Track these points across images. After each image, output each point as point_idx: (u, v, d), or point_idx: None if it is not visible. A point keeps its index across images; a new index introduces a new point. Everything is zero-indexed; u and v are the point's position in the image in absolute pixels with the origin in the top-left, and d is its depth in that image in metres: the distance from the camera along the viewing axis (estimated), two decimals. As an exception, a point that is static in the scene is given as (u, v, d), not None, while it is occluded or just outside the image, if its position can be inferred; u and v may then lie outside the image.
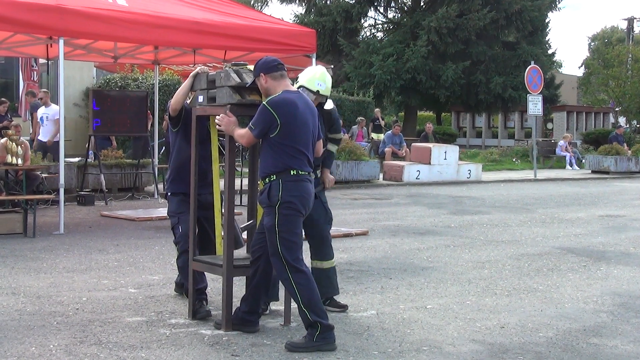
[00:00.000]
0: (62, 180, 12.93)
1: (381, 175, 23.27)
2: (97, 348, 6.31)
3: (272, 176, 6.44)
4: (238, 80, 6.82)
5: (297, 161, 6.46)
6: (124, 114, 17.10)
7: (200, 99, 7.21)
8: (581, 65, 69.22)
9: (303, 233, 6.92)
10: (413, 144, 26.56)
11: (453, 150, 25.11)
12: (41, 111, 17.87)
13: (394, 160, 25.21)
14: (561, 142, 32.90)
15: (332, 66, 29.14)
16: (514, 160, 32.01)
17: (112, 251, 10.87)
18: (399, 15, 41.14)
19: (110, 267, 9.75)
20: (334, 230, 13.04)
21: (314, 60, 15.35)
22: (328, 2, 39.92)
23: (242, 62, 7.59)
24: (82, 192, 16.84)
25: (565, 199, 20.12)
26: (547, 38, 46.24)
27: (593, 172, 29.31)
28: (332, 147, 8.06)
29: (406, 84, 36.76)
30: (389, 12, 41.26)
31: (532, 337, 6.99)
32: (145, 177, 18.62)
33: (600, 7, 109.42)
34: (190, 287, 7.28)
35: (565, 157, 31.72)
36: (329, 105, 7.81)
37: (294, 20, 40.81)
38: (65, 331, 6.78)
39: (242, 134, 6.55)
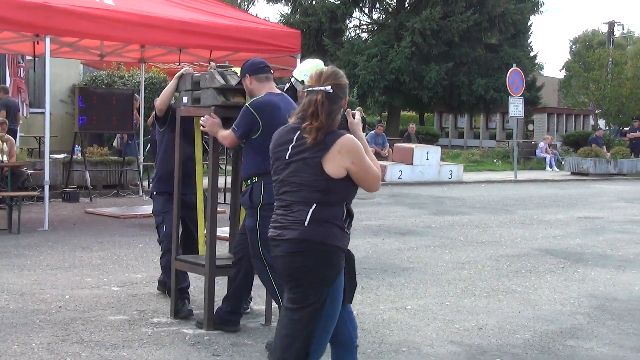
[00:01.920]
0: (47, 177, 12.85)
1: (365, 175, 23.31)
2: (79, 347, 6.29)
3: (254, 178, 6.44)
4: (222, 82, 6.81)
5: (279, 163, 6.46)
6: (110, 111, 17.02)
7: (185, 99, 7.19)
8: (562, 68, 69.39)
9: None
10: (396, 144, 26.51)
11: (435, 151, 25.05)
12: None
13: (378, 160, 25.16)
14: (541, 144, 32.96)
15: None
16: (495, 161, 32.00)
17: (96, 249, 10.81)
18: (384, 16, 41.13)
19: (93, 265, 9.70)
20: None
21: (298, 60, 15.31)
22: (313, 3, 39.83)
23: (227, 64, 7.60)
24: (67, 189, 16.75)
25: (545, 201, 20.09)
26: (529, 41, 46.41)
27: (572, 173, 29.33)
28: None
29: (390, 84, 36.71)
30: (373, 13, 41.24)
31: (510, 339, 7.00)
32: (130, 174, 18.56)
33: (582, 10, 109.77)
34: (172, 286, 7.26)
35: (545, 158, 31.75)
36: None
37: (280, 20, 40.74)
38: (48, 329, 6.76)
39: (225, 135, 6.55)
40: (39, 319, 7.08)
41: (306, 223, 4.32)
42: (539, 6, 42.39)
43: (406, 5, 40.07)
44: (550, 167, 31.33)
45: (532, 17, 43.60)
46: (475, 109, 41.51)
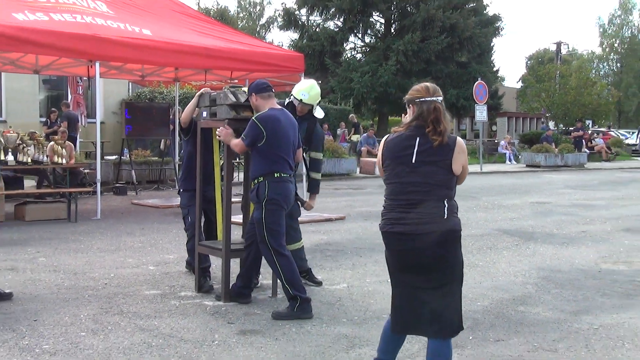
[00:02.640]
0: (99, 175, 12.82)
1: (358, 170, 23.18)
2: (119, 317, 6.22)
3: (260, 178, 6.37)
4: (234, 99, 6.74)
5: (280, 165, 6.38)
6: (151, 121, 17.05)
7: (204, 114, 7.12)
8: (519, 80, 69.03)
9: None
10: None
11: (415, 150, 24.84)
12: None
13: (368, 157, 25.07)
14: (502, 142, 32.88)
15: (320, 81, 28.94)
16: (465, 156, 31.88)
17: (138, 234, 10.77)
18: (374, 40, 40.94)
19: (135, 248, 9.64)
20: (317, 215, 13.00)
21: (302, 77, 15.20)
22: (317, 30, 39.71)
23: (238, 85, 7.50)
24: (117, 184, 16.78)
25: (504, 189, 19.99)
26: (492, 58, 46.07)
27: (527, 166, 29.27)
28: (316, 175, 7.81)
29: (379, 95, 36.68)
30: (365, 37, 41.07)
31: (472, 306, 6.89)
32: (168, 172, 18.52)
33: (535, 32, 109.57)
34: (196, 266, 7.20)
35: (505, 154, 31.67)
36: (319, 113, 7.61)
37: (290, 44, 40.74)
38: (95, 303, 6.69)
39: (236, 143, 6.47)
40: (87, 294, 7.02)
41: (445, 217, 4.19)
42: (500, 30, 42.29)
43: (392, 31, 39.88)
44: (510, 161, 31.24)
45: (494, 39, 43.44)
46: (450, 113, 41.19)
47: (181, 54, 13.06)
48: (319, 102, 7.65)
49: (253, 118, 6.37)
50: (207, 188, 7.29)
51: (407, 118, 4.42)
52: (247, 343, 5.57)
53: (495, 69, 47.21)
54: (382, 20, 40.41)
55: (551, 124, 43.07)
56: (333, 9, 38.36)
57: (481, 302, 7.08)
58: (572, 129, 37.21)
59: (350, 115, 32.80)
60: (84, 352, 5.26)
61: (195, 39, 13.68)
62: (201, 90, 7.30)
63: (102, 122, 24.69)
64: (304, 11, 40.91)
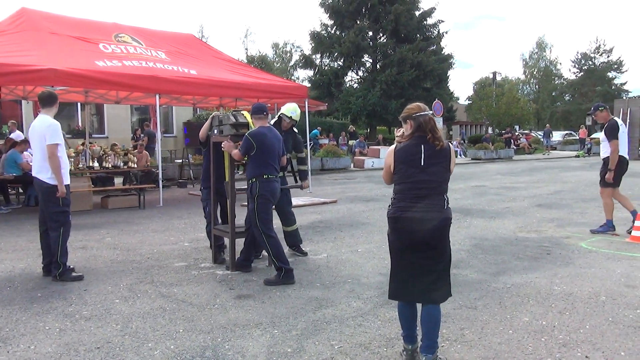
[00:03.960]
0: (160, 175, 12.21)
1: (352, 164, 22.45)
2: (149, 286, 5.61)
3: (253, 179, 5.74)
4: (234, 120, 6.10)
5: (268, 169, 5.75)
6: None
7: (215, 131, 6.49)
8: (467, 99, 67.66)
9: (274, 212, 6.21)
10: (370, 146, 25.65)
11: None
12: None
13: (360, 156, 24.33)
14: (454, 142, 31.90)
15: (327, 104, 28.16)
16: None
17: (185, 217, 10.14)
18: (364, 74, 39.92)
19: (179, 228, 9.00)
20: (316, 200, 12.33)
21: (306, 101, 14.57)
22: (325, 68, 38.80)
23: (238, 109, 6.90)
24: (180, 180, 16.20)
25: (454, 176, 18.89)
26: (448, 84, 44.83)
27: (472, 159, 28.34)
28: (304, 167, 7.34)
29: (369, 112, 35.78)
30: (359, 72, 40.08)
31: (416, 270, 6.23)
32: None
33: (479, 64, 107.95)
34: (212, 243, 6.59)
35: (457, 150, 30.71)
36: (295, 129, 7.12)
37: (308, 77, 40.08)
38: (135, 274, 6.08)
39: (235, 152, 5.85)
40: (132, 267, 6.41)
41: (445, 207, 3.65)
42: (452, 64, 41.11)
43: (377, 67, 38.91)
44: (460, 156, 30.27)
45: (450, 71, 42.24)
46: (418, 124, 40.28)
47: (217, 87, 12.44)
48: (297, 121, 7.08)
49: (246, 134, 5.74)
50: (220, 185, 6.68)
51: (402, 132, 3.81)
52: (239, 306, 4.95)
53: (451, 91, 46.18)
54: (370, 60, 39.43)
55: (490, 129, 41.98)
56: (336, 54, 37.47)
57: (424, 267, 6.39)
58: (503, 132, 36.19)
59: (349, 126, 32.02)
60: (112, 317, 4.67)
61: (228, 76, 13.04)
62: (213, 114, 6.67)
63: (174, 136, 24.29)
64: (317, 55, 40.03)
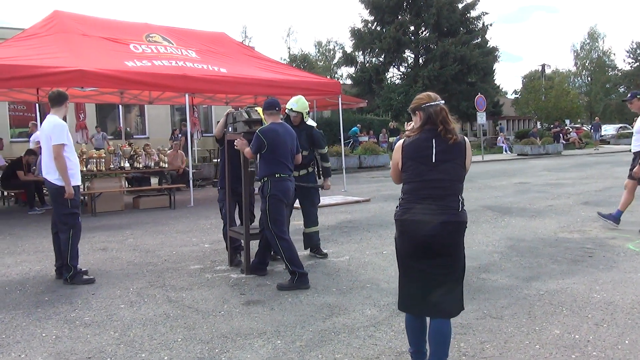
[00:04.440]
0: (191, 174, 12.09)
1: (391, 162, 21.86)
2: (158, 290, 5.39)
3: (264, 178, 5.46)
4: (247, 117, 5.84)
5: (280, 168, 5.44)
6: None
7: (230, 129, 6.24)
8: (513, 93, 65.67)
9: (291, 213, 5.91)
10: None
11: (433, 146, 23.33)
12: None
13: (400, 152, 23.70)
14: (500, 137, 30.83)
15: (367, 100, 27.68)
16: (473, 149, 30.00)
17: (212, 217, 9.90)
18: (407, 70, 39.17)
19: (204, 229, 8.78)
20: (349, 199, 11.97)
21: (339, 97, 14.22)
22: (367, 65, 38.29)
23: (253, 104, 6.59)
24: (215, 179, 16.10)
25: (497, 173, 18.37)
26: (494, 78, 43.58)
27: (518, 155, 27.26)
28: (326, 164, 6.80)
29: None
30: (400, 68, 39.39)
31: (442, 274, 5.81)
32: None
33: (529, 57, 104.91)
34: (228, 245, 6.35)
35: (503, 146, 29.64)
36: (311, 122, 6.68)
37: (350, 74, 39.79)
38: (148, 277, 5.88)
39: (247, 151, 5.57)
40: (147, 269, 6.22)
41: (460, 209, 3.23)
42: (497, 58, 39.88)
43: (420, 62, 38.15)
44: (506, 151, 29.23)
45: (495, 64, 40.98)
46: (463, 119, 39.23)
47: (248, 85, 12.22)
48: (308, 112, 6.66)
49: (257, 131, 5.46)
50: (237, 185, 6.42)
51: (413, 125, 3.42)
52: (246, 313, 4.67)
53: (497, 85, 44.86)
54: (412, 56, 38.70)
55: (538, 124, 40.53)
56: (377, 50, 36.92)
57: (451, 271, 5.96)
58: (552, 126, 34.83)
59: (390, 123, 31.41)
60: (112, 324, 4.46)
61: (259, 73, 12.82)
62: (227, 111, 6.41)
63: (213, 136, 24.35)
64: (358, 52, 39.54)
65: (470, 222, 8.81)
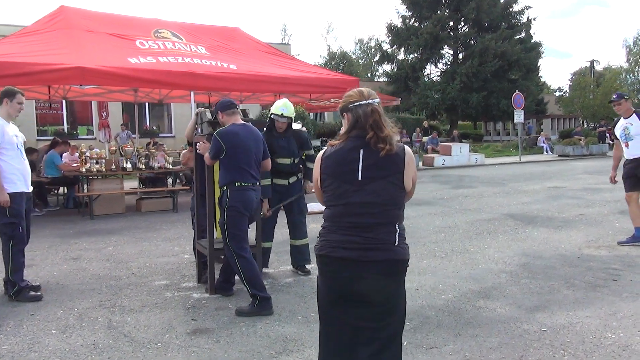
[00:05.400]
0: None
1: (420, 163, 20.89)
2: (104, 312, 4.77)
3: (224, 187, 4.77)
4: (210, 117, 5.17)
5: (240, 175, 4.74)
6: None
7: (199, 130, 5.59)
8: (557, 91, 63.01)
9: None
10: (441, 143, 23.88)
11: (465, 147, 22.07)
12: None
13: (432, 153, 22.67)
14: (540, 137, 29.29)
15: (400, 99, 26.72)
16: (511, 149, 28.64)
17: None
18: (445, 66, 37.90)
19: (191, 237, 8.19)
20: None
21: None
22: (403, 63, 37.21)
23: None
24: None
25: (532, 175, 17.09)
26: (539, 74, 41.73)
27: (559, 156, 25.69)
28: (310, 165, 6.10)
29: (448, 107, 34.05)
30: (438, 65, 38.18)
31: (433, 300, 4.99)
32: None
33: (579, 53, 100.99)
34: (196, 260, 5.70)
35: (543, 146, 28.12)
36: (297, 125, 6.02)
37: (386, 72, 38.92)
38: (102, 295, 5.28)
39: (206, 156, 4.91)
40: (107, 284, 5.62)
41: (396, 243, 2.42)
42: (541, 54, 38.17)
43: (459, 58, 36.83)
44: (547, 152, 27.66)
45: (541, 61, 39.24)
46: (504, 118, 37.70)
47: (257, 82, 11.55)
48: (295, 115, 5.98)
49: (214, 133, 4.79)
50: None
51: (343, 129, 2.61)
52: (184, 347, 4.00)
53: (541, 82, 43.01)
54: (451, 52, 37.41)
55: (584, 123, 38.58)
56: (413, 46, 35.78)
57: (446, 295, 5.14)
58: (598, 125, 32.97)
59: (424, 122, 30.44)
60: (28, 355, 3.87)
61: (272, 70, 12.16)
62: (197, 110, 5.75)
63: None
64: (395, 49, 38.49)
65: (487, 233, 8.01)
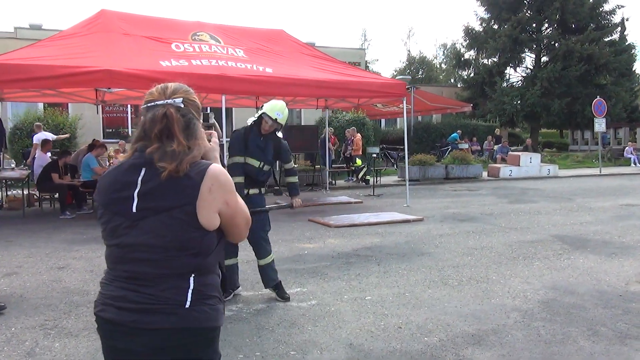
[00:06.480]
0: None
1: (485, 173, 19.47)
2: (39, 334, 4.36)
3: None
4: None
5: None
6: (301, 139, 15.18)
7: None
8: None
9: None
10: (509, 152, 22.21)
11: (536, 157, 20.35)
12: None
13: (502, 163, 21.15)
14: (627, 148, 26.73)
15: (473, 105, 25.33)
16: (593, 160, 26.32)
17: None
18: (527, 71, 35.67)
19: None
20: (397, 217, 10.31)
21: (404, 101, 12.54)
22: (480, 68, 35.40)
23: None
24: (276, 187, 15.10)
25: (607, 190, 15.31)
26: (638, 78, 38.29)
27: (649, 169, 23.30)
28: (292, 179, 5.57)
29: (527, 114, 31.92)
30: (517, 69, 35.97)
31: (410, 344, 4.16)
32: (318, 177, 16.49)
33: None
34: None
35: (630, 158, 25.60)
36: (280, 134, 5.38)
37: (462, 77, 37.23)
38: (54, 312, 4.88)
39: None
40: (69, 300, 5.21)
41: (188, 305, 1.71)
42: (634, 55, 35.04)
43: (540, 62, 34.57)
44: (634, 164, 25.18)
45: (636, 64, 36.18)
46: (589, 126, 34.88)
47: (292, 86, 11.02)
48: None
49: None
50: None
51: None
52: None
53: (637, 88, 39.50)
54: (532, 56, 35.17)
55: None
56: (490, 50, 33.93)
57: (430, 338, 4.28)
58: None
59: (496, 129, 28.69)
60: None
61: (311, 73, 11.57)
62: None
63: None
64: (472, 53, 36.80)
65: (523, 258, 6.96)
